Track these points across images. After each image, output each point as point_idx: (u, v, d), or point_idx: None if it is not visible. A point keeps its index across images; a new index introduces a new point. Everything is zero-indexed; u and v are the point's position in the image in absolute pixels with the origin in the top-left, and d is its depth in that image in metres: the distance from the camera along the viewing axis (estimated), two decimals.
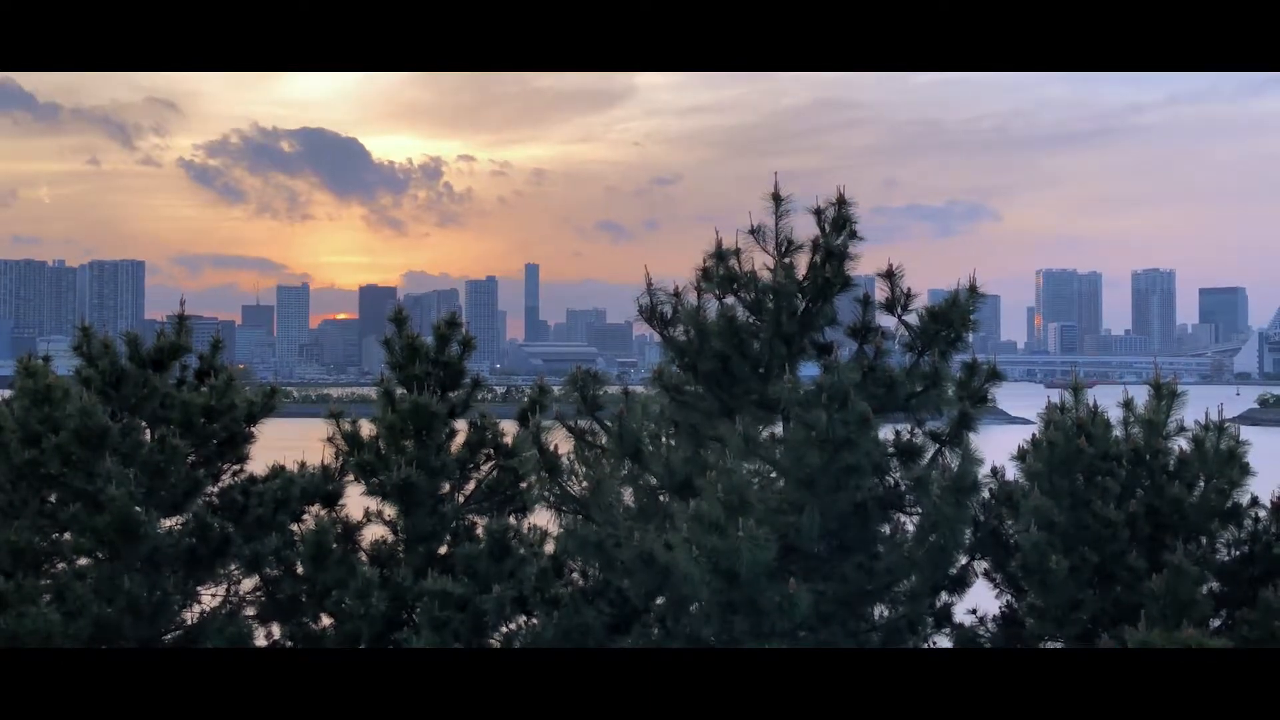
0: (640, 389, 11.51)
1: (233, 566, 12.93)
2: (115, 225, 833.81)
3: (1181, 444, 10.54)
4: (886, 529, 10.41)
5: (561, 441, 11.26)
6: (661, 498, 10.63)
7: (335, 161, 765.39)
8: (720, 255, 10.71)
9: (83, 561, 12.48)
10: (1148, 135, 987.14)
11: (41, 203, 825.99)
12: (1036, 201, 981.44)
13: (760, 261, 10.67)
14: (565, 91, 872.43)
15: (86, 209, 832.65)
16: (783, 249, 10.62)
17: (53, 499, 12.47)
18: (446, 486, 13.11)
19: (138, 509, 11.78)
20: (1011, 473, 11.24)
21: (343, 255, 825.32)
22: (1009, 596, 11.19)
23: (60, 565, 12.52)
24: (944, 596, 11.12)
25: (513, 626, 11.56)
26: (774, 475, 10.11)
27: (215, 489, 13.15)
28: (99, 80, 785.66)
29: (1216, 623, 10.07)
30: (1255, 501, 10.56)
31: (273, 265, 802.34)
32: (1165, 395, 10.68)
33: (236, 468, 13.38)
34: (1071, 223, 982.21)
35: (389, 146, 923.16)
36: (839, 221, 10.62)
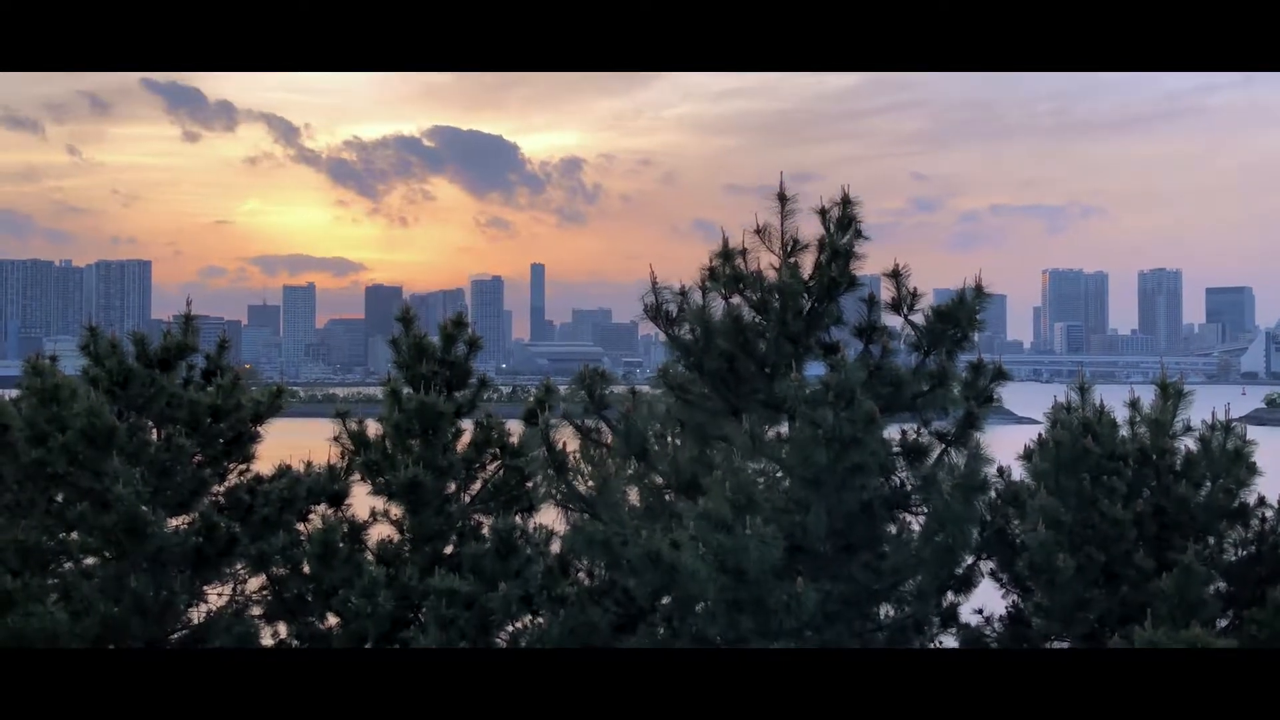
0: (646, 388, 11.51)
1: (239, 566, 12.94)
2: (225, 226, 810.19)
3: (1188, 444, 10.52)
4: (893, 529, 10.40)
5: (568, 440, 11.26)
6: (668, 497, 10.63)
7: (475, 160, 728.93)
8: (726, 255, 10.70)
9: (89, 561, 12.50)
10: (1219, 116, 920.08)
11: (163, 203, 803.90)
12: (1102, 194, 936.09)
13: (766, 261, 10.68)
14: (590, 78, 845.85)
15: (209, 209, 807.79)
16: (788, 248, 10.61)
17: (60, 498, 12.49)
18: (453, 486, 13.12)
19: (144, 508, 11.78)
20: (1018, 473, 11.22)
21: (431, 255, 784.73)
22: (1015, 596, 11.18)
23: (67, 564, 12.53)
24: (950, 596, 11.12)
25: (519, 625, 11.57)
26: (780, 474, 10.10)
27: (221, 488, 13.16)
28: (264, 81, 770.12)
29: (1224, 623, 10.06)
30: (1263, 501, 10.55)
31: (351, 265, 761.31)
32: (1172, 395, 10.65)
33: (243, 467, 13.39)
34: (1144, 220, 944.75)
35: (535, 144, 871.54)
36: (844, 221, 10.61)
